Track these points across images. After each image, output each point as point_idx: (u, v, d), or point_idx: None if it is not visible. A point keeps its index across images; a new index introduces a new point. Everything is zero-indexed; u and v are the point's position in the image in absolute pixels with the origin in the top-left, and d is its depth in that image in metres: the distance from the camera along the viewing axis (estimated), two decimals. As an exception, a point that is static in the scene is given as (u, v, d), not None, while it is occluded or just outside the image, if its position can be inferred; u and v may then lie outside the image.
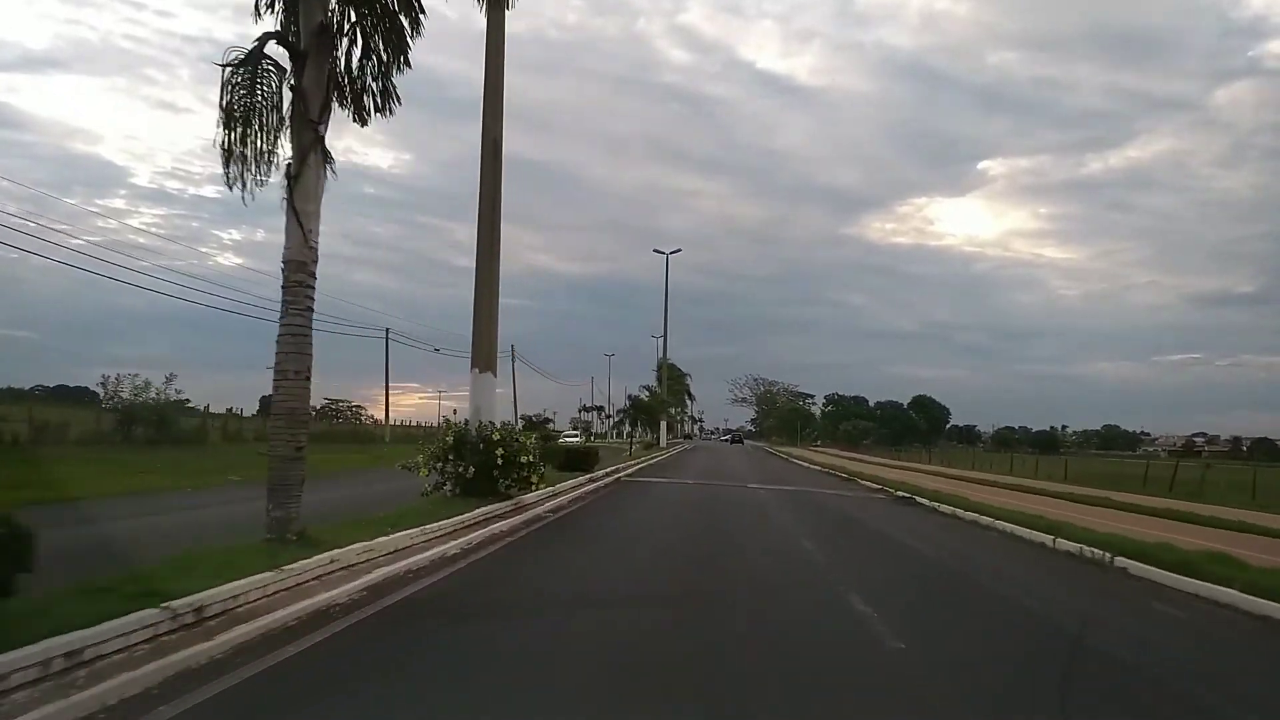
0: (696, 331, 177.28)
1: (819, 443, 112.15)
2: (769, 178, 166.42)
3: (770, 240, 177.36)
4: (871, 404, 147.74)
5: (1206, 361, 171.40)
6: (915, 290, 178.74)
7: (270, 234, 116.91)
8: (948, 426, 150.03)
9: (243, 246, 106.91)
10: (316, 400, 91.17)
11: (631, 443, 41.00)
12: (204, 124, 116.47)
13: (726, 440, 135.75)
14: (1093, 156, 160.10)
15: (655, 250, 59.27)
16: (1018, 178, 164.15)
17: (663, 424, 63.91)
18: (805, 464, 44.30)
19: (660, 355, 63.82)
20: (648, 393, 67.30)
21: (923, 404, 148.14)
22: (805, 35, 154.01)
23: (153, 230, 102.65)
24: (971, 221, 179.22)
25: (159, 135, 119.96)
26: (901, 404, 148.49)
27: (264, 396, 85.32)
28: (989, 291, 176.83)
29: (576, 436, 51.35)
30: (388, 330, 52.24)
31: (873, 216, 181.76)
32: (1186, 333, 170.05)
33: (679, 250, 58.35)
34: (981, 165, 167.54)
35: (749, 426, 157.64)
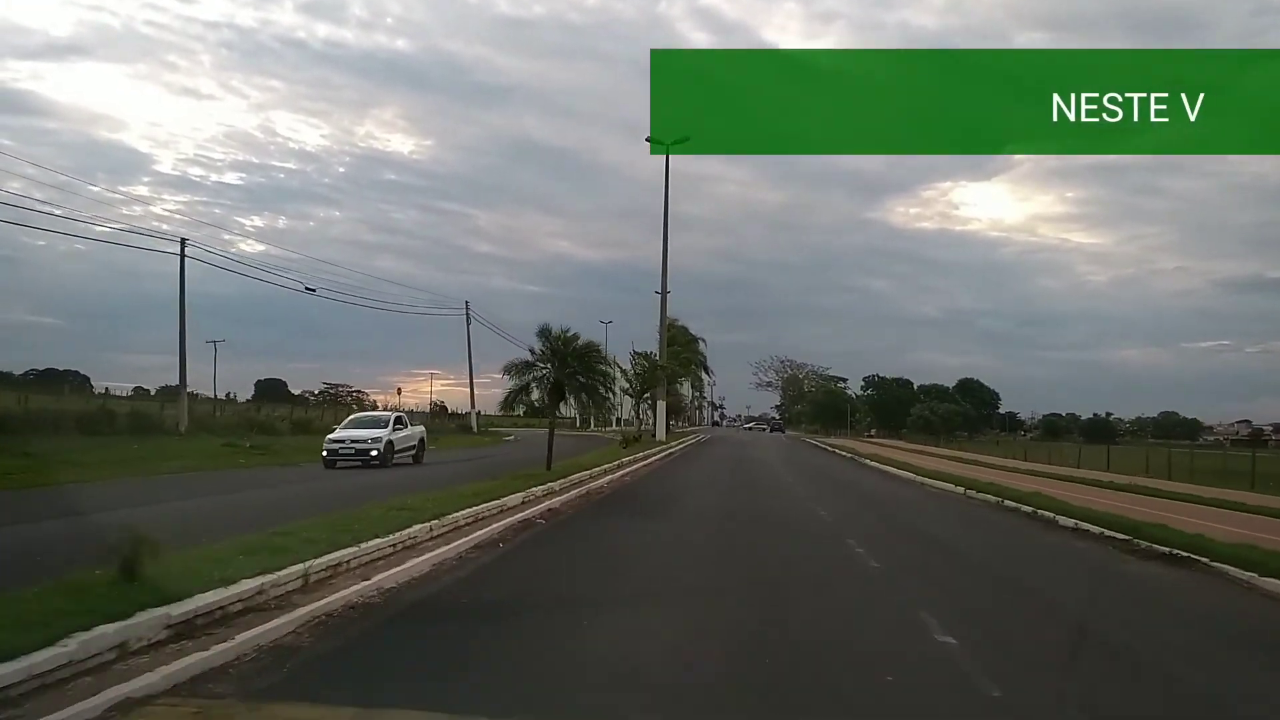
0: (717, 319, 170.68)
1: (871, 432, 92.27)
2: (791, 162, 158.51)
3: (792, 226, 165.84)
4: (915, 387, 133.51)
5: (1236, 348, 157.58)
6: (939, 276, 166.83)
7: (292, 220, 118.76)
8: (995, 413, 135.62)
9: (265, 233, 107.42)
10: (315, 384, 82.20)
11: (551, 438, 17.44)
12: (226, 111, 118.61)
13: (751, 428, 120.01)
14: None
15: (648, 139, 39.26)
16: (1044, 161, 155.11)
17: (660, 405, 44.08)
18: (930, 482, 23.22)
19: (661, 304, 43.91)
20: (644, 362, 47.48)
21: (970, 388, 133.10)
22: (828, 16, 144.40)
23: (177, 216, 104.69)
24: (997, 206, 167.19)
25: (182, 122, 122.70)
26: (947, 387, 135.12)
27: (259, 380, 74.94)
28: (1014, 277, 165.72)
29: (377, 432, 21.99)
30: (183, 247, 32.75)
31: (896, 201, 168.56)
32: (1216, 319, 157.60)
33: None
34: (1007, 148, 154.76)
35: (773, 413, 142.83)
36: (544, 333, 15.28)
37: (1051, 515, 14.76)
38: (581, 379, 15.56)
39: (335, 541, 6.91)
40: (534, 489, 12.93)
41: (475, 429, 59.99)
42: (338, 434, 22.27)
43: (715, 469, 25.77)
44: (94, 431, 26.46)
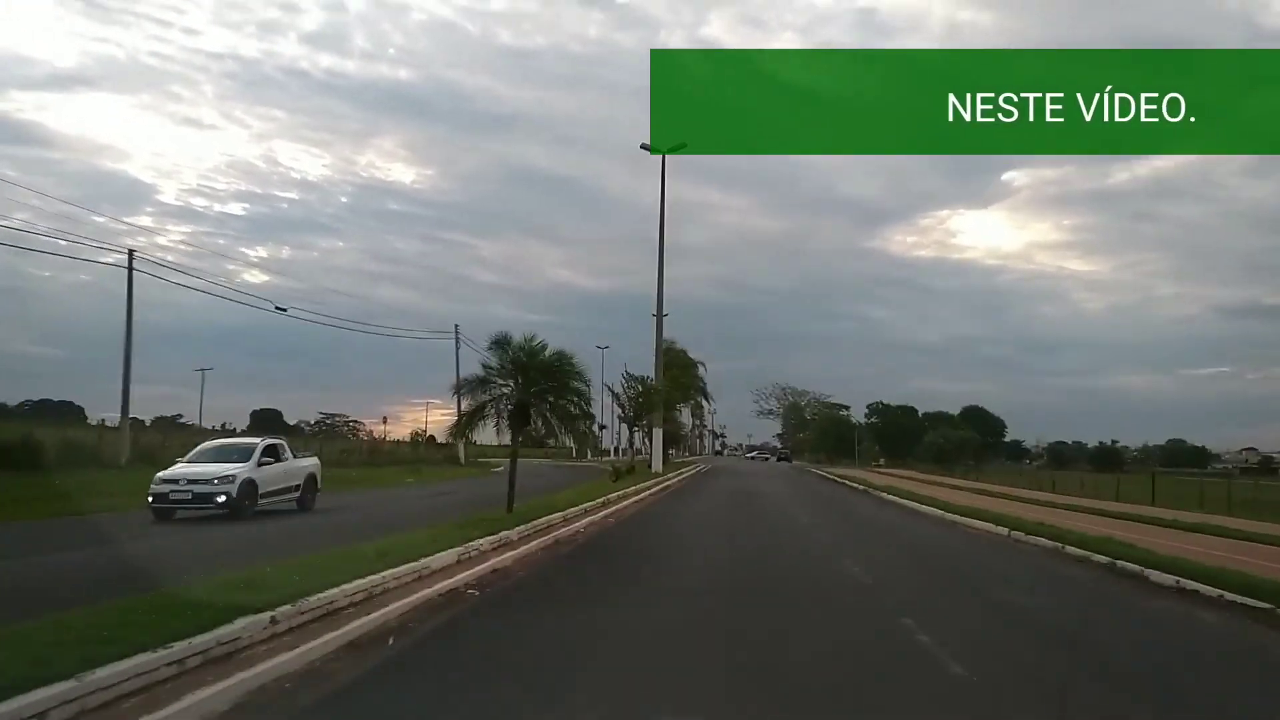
0: (717, 347, 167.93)
1: (880, 462, 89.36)
2: (789, 190, 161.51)
3: (791, 253, 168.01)
4: (919, 414, 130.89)
5: (1237, 375, 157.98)
6: (938, 304, 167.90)
7: (295, 250, 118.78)
8: (1001, 441, 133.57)
9: (269, 264, 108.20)
10: (310, 414, 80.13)
11: (513, 472, 13.21)
12: (228, 141, 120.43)
13: (754, 457, 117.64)
14: (1118, 166, 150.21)
15: (643, 146, 36.63)
16: (1042, 189, 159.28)
17: (656, 433, 41.06)
18: (965, 521, 19.75)
19: (657, 324, 40.96)
20: (638, 384, 44.72)
21: (975, 416, 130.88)
22: (826, 46, 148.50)
23: (180, 246, 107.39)
24: (994, 234, 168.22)
25: (185, 152, 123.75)
26: (952, 415, 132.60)
27: (254, 411, 72.67)
28: (1013, 304, 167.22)
29: (230, 468, 15.65)
30: (130, 259, 29.97)
31: (894, 230, 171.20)
32: (1216, 345, 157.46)
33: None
34: (1005, 176, 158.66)
35: (775, 441, 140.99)
36: (501, 343, 12.15)
37: (1137, 568, 11.72)
38: (551, 399, 12.54)
39: (42, 670, 3.89)
40: (479, 541, 9.87)
41: (463, 459, 56.56)
42: (174, 470, 15.83)
43: (717, 508, 22.68)
44: (13, 465, 23.50)
